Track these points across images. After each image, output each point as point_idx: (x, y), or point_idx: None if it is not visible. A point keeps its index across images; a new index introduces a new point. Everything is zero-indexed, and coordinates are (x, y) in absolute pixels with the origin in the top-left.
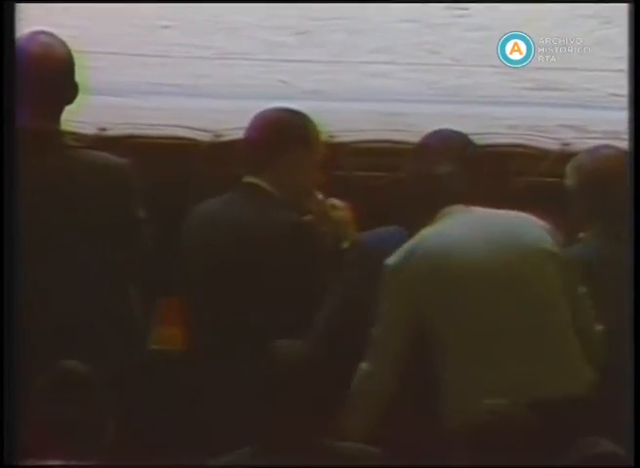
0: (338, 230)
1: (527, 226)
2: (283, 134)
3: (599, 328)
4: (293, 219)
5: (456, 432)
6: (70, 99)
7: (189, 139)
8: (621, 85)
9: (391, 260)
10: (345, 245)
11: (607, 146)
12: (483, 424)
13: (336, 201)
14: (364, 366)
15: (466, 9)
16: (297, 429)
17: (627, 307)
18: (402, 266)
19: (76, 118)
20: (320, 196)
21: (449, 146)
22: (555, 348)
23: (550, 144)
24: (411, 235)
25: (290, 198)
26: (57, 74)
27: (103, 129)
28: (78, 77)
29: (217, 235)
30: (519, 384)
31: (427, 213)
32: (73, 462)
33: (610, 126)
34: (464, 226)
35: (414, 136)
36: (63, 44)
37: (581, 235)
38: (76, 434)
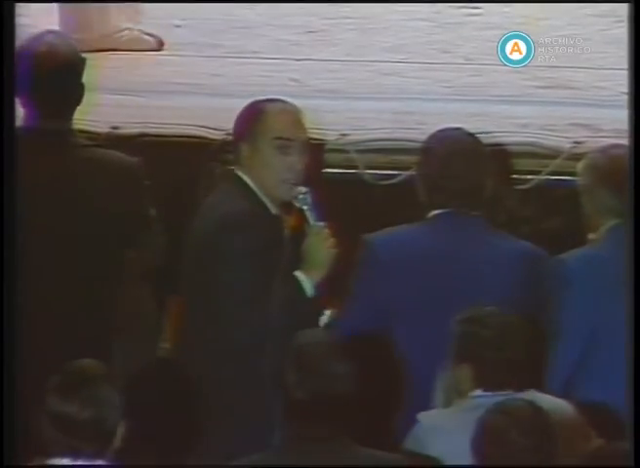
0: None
1: None
2: (243, 125)
3: None
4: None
5: None
6: (78, 100)
7: (201, 138)
8: None
9: None
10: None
11: (618, 145)
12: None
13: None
14: None
15: (478, 8)
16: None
17: (628, 307)
18: None
19: (89, 117)
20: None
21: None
22: None
23: (562, 143)
24: None
25: (264, 189)
26: (63, 74)
27: (116, 127)
28: (86, 77)
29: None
30: None
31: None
32: (82, 462)
33: (621, 124)
34: None
35: (425, 135)
36: (71, 44)
37: (591, 236)
38: (88, 433)
